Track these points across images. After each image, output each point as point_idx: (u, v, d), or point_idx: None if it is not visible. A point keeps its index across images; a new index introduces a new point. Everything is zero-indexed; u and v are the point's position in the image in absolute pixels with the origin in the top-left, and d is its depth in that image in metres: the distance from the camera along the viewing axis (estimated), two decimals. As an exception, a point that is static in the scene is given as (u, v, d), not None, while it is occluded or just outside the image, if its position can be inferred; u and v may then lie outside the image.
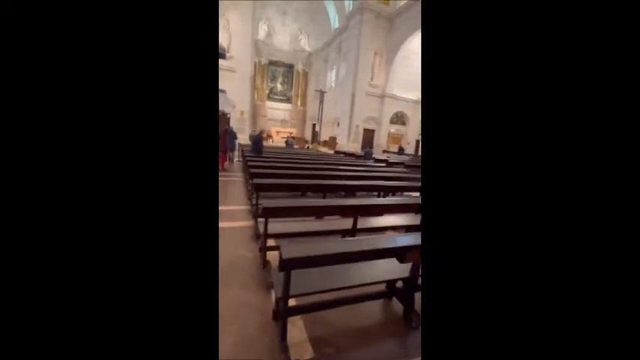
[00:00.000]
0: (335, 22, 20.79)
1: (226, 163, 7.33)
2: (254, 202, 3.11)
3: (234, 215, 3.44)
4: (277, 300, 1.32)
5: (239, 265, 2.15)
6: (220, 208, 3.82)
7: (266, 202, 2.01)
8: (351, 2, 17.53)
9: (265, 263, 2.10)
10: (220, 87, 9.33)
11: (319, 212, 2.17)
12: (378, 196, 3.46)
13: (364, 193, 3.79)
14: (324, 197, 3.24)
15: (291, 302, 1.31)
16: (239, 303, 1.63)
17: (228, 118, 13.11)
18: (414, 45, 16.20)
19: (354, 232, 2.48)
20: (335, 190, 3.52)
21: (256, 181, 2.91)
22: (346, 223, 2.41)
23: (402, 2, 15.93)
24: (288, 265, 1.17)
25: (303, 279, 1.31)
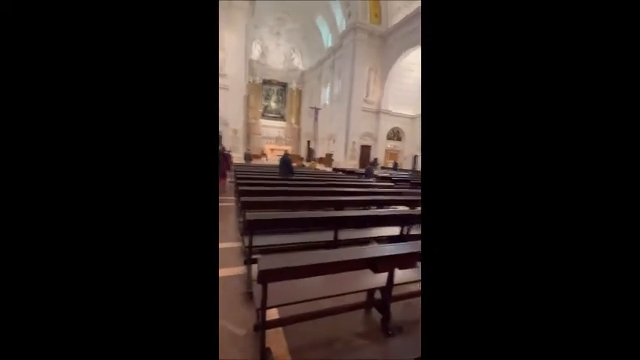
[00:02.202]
0: (328, 41, 21.03)
1: (226, 186, 6.66)
2: (247, 242, 2.42)
3: (221, 257, 2.71)
4: None
5: (226, 357, 1.42)
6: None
7: (264, 261, 1.33)
8: (344, 22, 17.77)
9: (265, 353, 1.38)
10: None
11: (339, 268, 1.51)
12: (402, 229, 2.81)
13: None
14: (336, 234, 2.57)
15: None
16: None
17: (221, 137, 12.51)
18: (406, 62, 16.27)
19: (389, 289, 1.80)
20: (350, 224, 2.86)
21: (249, 216, 2.24)
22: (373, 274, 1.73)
23: (394, 21, 16.17)
24: None
25: None
